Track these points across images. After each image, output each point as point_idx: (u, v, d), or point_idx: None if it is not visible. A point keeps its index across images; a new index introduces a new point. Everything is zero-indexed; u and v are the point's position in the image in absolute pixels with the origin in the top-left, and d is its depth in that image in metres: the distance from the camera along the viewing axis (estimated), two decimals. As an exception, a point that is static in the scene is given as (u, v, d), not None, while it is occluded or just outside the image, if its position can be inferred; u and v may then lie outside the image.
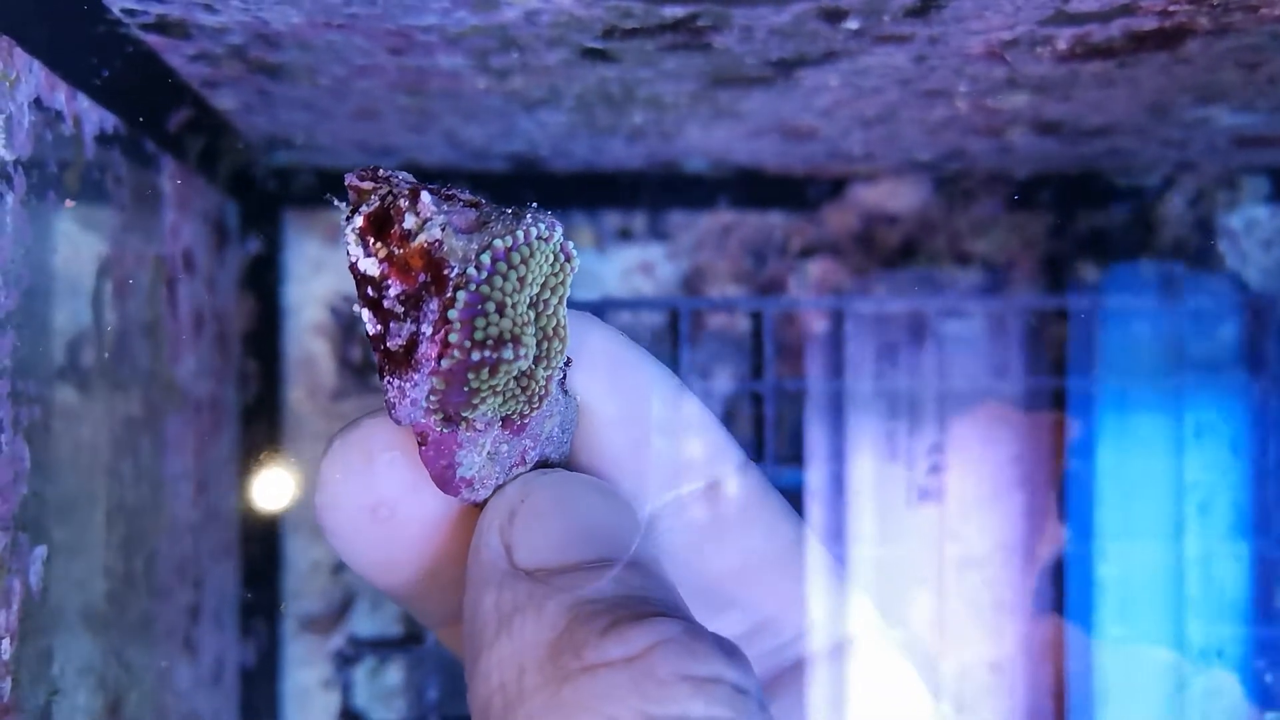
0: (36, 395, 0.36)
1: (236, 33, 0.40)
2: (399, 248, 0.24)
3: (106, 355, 0.43)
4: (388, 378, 0.24)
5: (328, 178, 0.62)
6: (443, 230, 0.23)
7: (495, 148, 0.57)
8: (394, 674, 0.63)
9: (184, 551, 0.52)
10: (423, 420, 0.25)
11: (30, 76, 0.36)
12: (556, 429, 0.27)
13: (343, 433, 0.26)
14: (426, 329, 0.24)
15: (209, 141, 0.53)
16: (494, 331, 0.23)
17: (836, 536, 0.58)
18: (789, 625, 0.28)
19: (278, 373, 0.62)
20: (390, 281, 0.24)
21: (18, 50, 0.35)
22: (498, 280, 0.23)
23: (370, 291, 0.24)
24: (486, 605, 0.23)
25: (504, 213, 0.24)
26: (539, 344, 0.25)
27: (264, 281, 0.62)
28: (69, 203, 0.39)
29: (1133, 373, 0.59)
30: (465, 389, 0.24)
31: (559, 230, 0.25)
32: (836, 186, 0.63)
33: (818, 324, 0.61)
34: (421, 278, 0.24)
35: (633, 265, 0.64)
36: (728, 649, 0.22)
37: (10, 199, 0.34)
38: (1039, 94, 0.47)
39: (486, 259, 0.23)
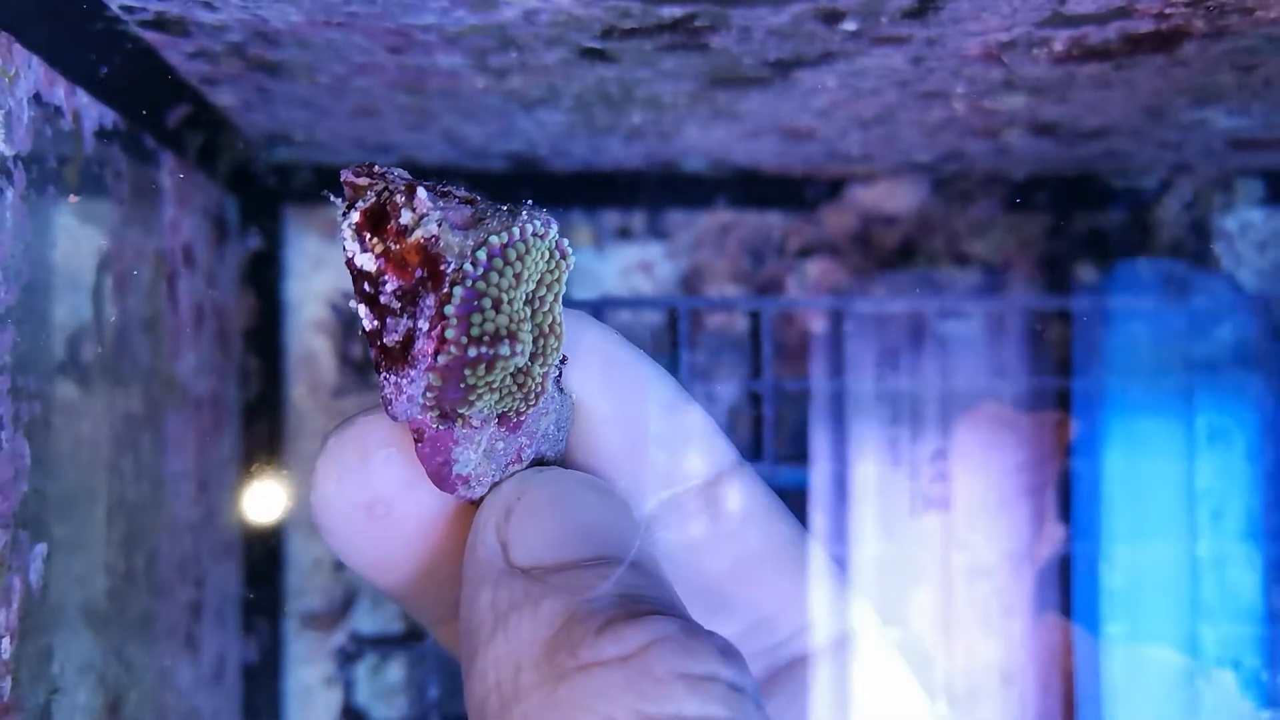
0: (36, 391, 0.36)
1: (235, 30, 0.40)
2: (395, 243, 0.24)
3: (107, 351, 0.43)
4: (384, 374, 0.25)
5: (327, 174, 0.62)
6: (439, 226, 0.24)
7: (494, 147, 0.58)
8: (395, 671, 0.63)
9: (185, 549, 0.52)
10: (419, 417, 0.25)
11: (29, 72, 0.36)
12: (552, 427, 0.27)
13: (338, 430, 0.26)
14: (423, 325, 0.24)
15: (208, 138, 0.53)
16: (490, 328, 0.24)
17: (840, 543, 0.58)
18: (785, 624, 0.28)
19: (279, 369, 0.62)
20: (387, 277, 0.24)
21: (17, 46, 0.35)
22: (494, 276, 0.24)
23: (367, 287, 0.24)
24: (483, 604, 0.23)
25: (499, 209, 0.24)
26: (535, 341, 0.25)
27: (264, 278, 0.62)
28: (72, 198, 0.39)
29: (1135, 373, 0.59)
30: (462, 385, 0.24)
31: (554, 227, 0.25)
32: (835, 187, 0.64)
33: (816, 324, 0.61)
34: (418, 273, 0.24)
35: (631, 264, 0.64)
36: (723, 647, 0.22)
37: (10, 194, 0.34)
38: (1036, 96, 0.48)
39: (483, 255, 0.23)
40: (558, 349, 0.25)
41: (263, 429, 0.61)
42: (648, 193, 0.64)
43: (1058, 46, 0.41)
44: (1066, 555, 0.59)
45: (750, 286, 0.64)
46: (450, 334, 0.23)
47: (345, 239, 0.25)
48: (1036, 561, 0.58)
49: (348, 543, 0.27)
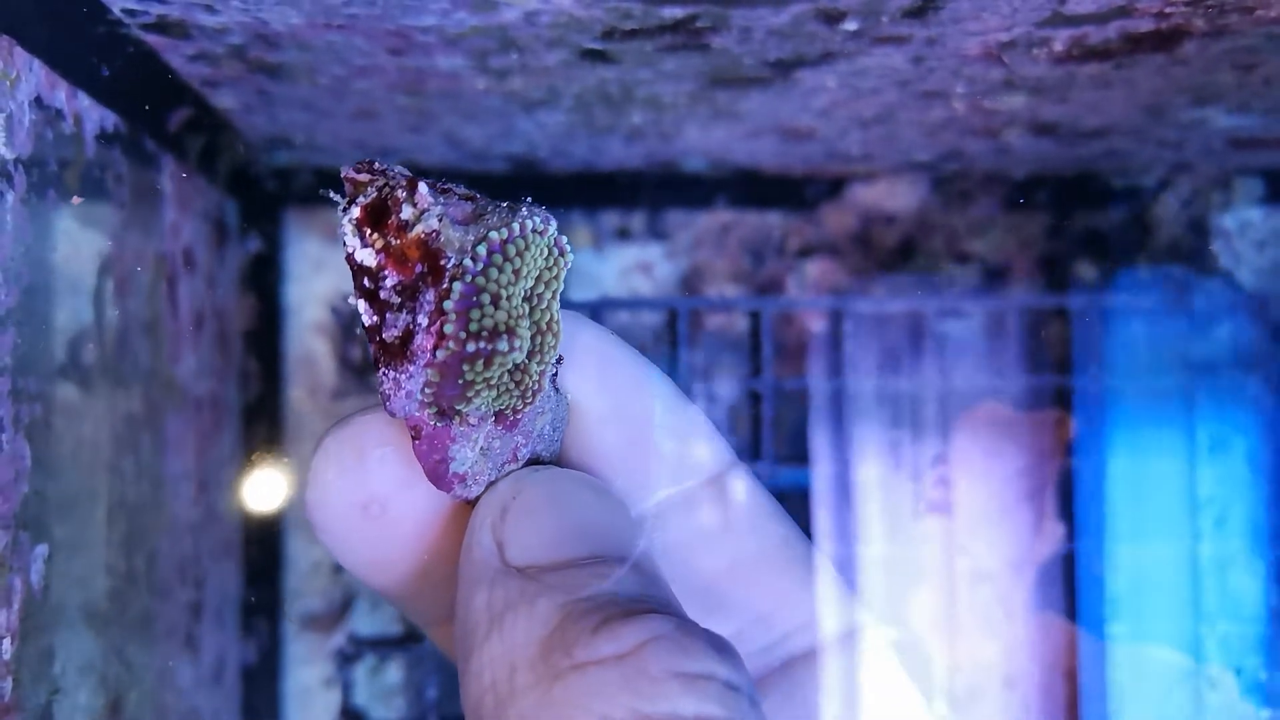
0: (37, 393, 0.36)
1: (236, 33, 0.40)
2: (396, 238, 0.24)
3: (107, 353, 0.43)
4: (383, 369, 0.25)
5: (327, 177, 0.62)
6: (440, 221, 0.24)
7: (494, 148, 0.58)
8: (394, 672, 0.63)
9: (185, 550, 0.52)
10: (417, 414, 0.25)
11: (31, 75, 0.36)
12: (548, 426, 0.27)
13: (334, 430, 0.26)
14: (422, 320, 0.24)
15: (209, 140, 0.53)
16: (489, 323, 0.24)
17: (839, 543, 0.58)
18: (780, 623, 0.28)
19: (278, 372, 0.62)
20: (387, 272, 0.24)
21: (18, 49, 0.35)
22: (493, 272, 0.24)
23: (366, 282, 0.24)
24: (478, 603, 0.23)
25: (499, 206, 0.25)
26: (532, 339, 0.25)
27: (264, 280, 0.62)
28: (76, 199, 0.39)
29: (1135, 374, 0.59)
30: (460, 381, 0.24)
31: (553, 225, 0.25)
32: (835, 186, 0.64)
33: (816, 324, 0.61)
34: (418, 268, 0.24)
35: (631, 265, 0.64)
36: (719, 645, 0.22)
37: (11, 197, 0.34)
38: (1036, 95, 0.48)
39: (482, 250, 0.24)
40: (555, 347, 0.25)
41: (262, 431, 0.61)
42: (647, 193, 0.64)
43: (1058, 46, 0.41)
44: (1068, 556, 0.59)
45: (750, 286, 0.64)
46: (449, 329, 0.23)
47: (345, 234, 0.25)
48: (1037, 563, 0.58)
49: (343, 542, 0.27)
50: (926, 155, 0.59)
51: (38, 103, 0.36)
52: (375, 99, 0.48)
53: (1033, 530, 0.59)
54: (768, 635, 0.28)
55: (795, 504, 0.59)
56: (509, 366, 0.24)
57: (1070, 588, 0.58)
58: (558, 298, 0.25)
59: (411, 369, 0.24)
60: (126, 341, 0.45)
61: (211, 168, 0.55)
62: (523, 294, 0.24)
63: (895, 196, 0.63)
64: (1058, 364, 0.61)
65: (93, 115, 0.41)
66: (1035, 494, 0.59)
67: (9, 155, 0.34)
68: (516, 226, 0.24)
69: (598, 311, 0.59)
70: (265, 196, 0.62)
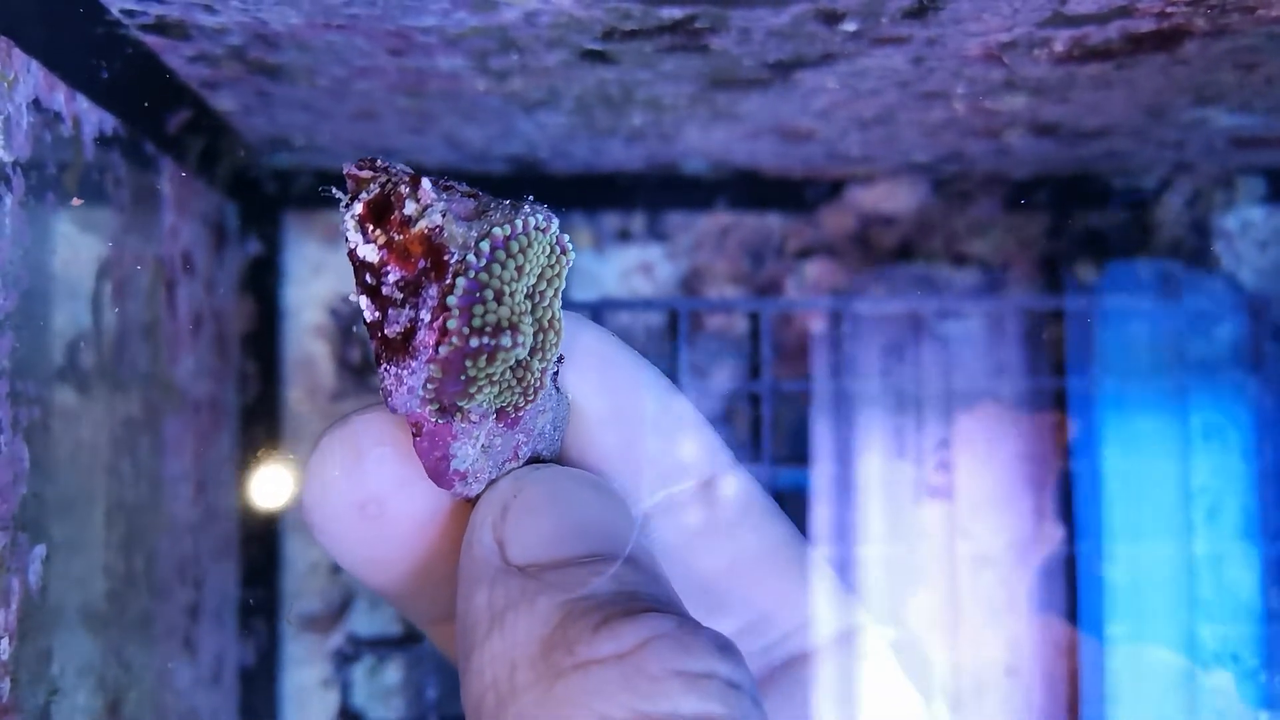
0: (36, 396, 0.36)
1: (236, 34, 0.40)
2: (399, 234, 0.24)
3: (106, 356, 0.43)
4: (384, 365, 0.25)
5: (327, 179, 0.62)
6: (443, 217, 0.24)
7: (495, 149, 0.58)
8: (393, 673, 0.63)
9: (183, 551, 0.52)
10: (418, 410, 0.25)
11: (29, 77, 0.36)
12: (548, 425, 0.27)
13: (332, 429, 0.26)
14: (425, 315, 0.24)
15: (208, 143, 0.53)
16: (492, 319, 0.24)
17: (842, 535, 0.58)
18: (780, 623, 0.28)
19: (277, 374, 0.62)
20: (389, 268, 0.24)
21: (16, 51, 0.35)
22: (496, 268, 0.24)
23: (369, 278, 0.24)
24: (479, 602, 0.23)
25: (502, 204, 0.25)
26: (534, 336, 0.25)
27: (263, 283, 0.62)
28: (76, 201, 0.39)
29: (1134, 372, 0.59)
30: (462, 377, 0.24)
31: (555, 223, 0.25)
32: (834, 188, 0.64)
33: (816, 325, 0.61)
34: (421, 264, 0.24)
35: (631, 266, 0.64)
36: (720, 644, 0.22)
37: (9, 200, 0.34)
38: (1036, 96, 0.48)
39: (486, 246, 0.24)
40: (556, 345, 0.25)
41: (261, 432, 0.61)
42: (648, 195, 0.64)
43: (1058, 46, 0.41)
44: (1066, 555, 0.59)
45: (750, 288, 0.64)
46: (452, 324, 0.23)
47: (348, 229, 0.25)
48: (1035, 559, 0.58)
49: (341, 542, 0.26)
50: (926, 156, 0.59)
51: (36, 105, 0.36)
52: (375, 100, 0.48)
53: (1032, 531, 0.59)
54: (769, 634, 0.28)
55: (794, 505, 0.59)
56: (511, 363, 0.24)
57: (1070, 586, 0.58)
58: (559, 296, 0.25)
59: (413, 365, 0.24)
60: (125, 344, 0.45)
61: (211, 170, 0.55)
62: (525, 291, 0.24)
63: (895, 197, 0.63)
64: (1056, 364, 0.61)
65: (91, 117, 0.41)
66: (1034, 491, 0.59)
67: (7, 158, 0.34)
68: (519, 223, 0.24)
69: (598, 312, 0.59)
70: (265, 199, 0.62)
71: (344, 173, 0.25)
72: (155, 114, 0.47)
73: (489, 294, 0.23)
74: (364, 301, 0.25)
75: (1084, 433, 0.59)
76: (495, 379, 0.24)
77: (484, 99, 0.48)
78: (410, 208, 0.24)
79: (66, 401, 0.39)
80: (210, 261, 0.56)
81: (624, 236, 0.64)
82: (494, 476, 0.26)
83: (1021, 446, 0.59)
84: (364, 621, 0.63)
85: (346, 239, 0.25)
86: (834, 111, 0.50)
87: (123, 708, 0.44)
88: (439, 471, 0.25)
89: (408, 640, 0.62)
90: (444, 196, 0.24)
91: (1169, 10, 0.37)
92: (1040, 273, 0.64)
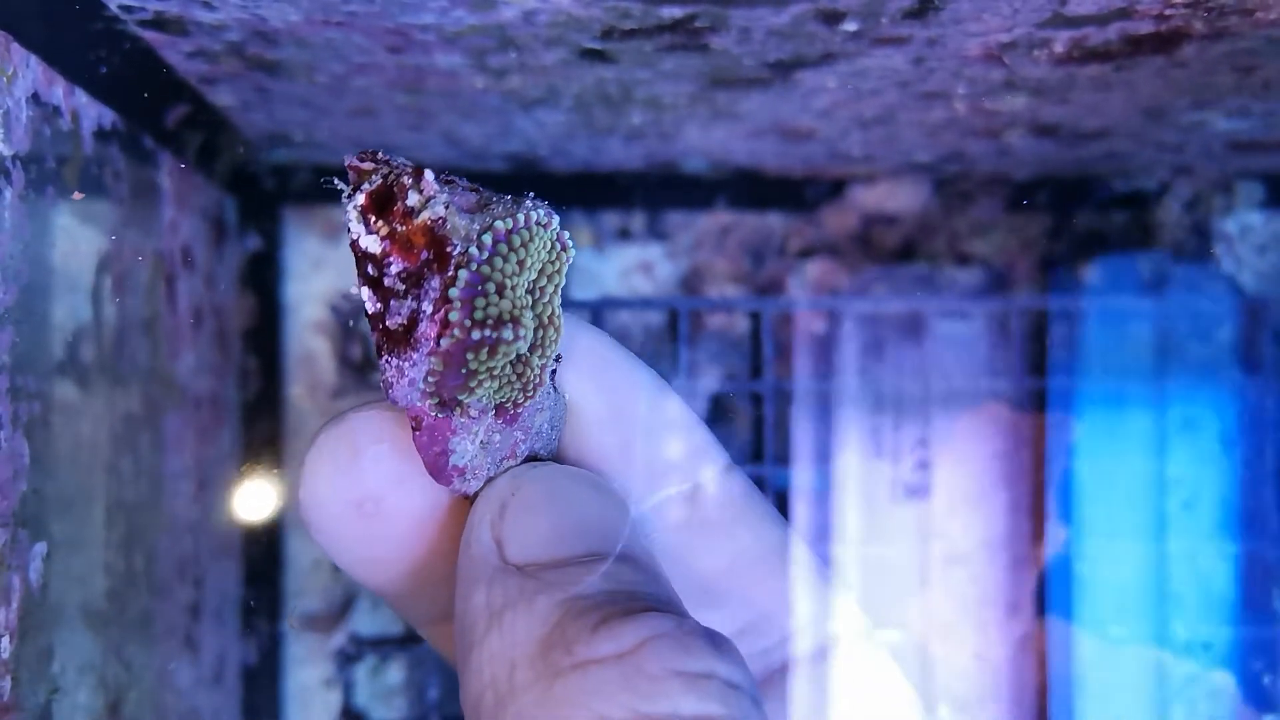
0: (36, 391, 0.36)
1: (234, 29, 0.40)
2: (402, 224, 0.24)
3: (106, 351, 0.43)
4: (386, 356, 0.25)
5: (326, 175, 0.62)
6: (446, 208, 0.24)
7: (493, 147, 0.58)
8: (395, 673, 0.63)
9: (184, 549, 0.52)
10: (418, 404, 0.25)
11: (28, 72, 0.36)
12: (546, 425, 0.27)
13: (329, 426, 0.26)
14: (427, 307, 0.24)
15: (207, 138, 0.53)
16: (494, 311, 0.24)
17: (827, 539, 0.58)
18: (779, 625, 0.28)
19: (278, 370, 0.62)
20: (392, 259, 0.24)
21: (15, 45, 0.35)
22: (498, 261, 0.24)
23: (371, 269, 0.24)
24: (477, 601, 0.23)
25: (503, 198, 0.25)
26: (534, 332, 0.25)
27: (263, 278, 0.62)
28: (77, 195, 0.39)
29: (1121, 371, 0.59)
30: (463, 371, 0.24)
31: (557, 219, 0.25)
32: (835, 187, 0.64)
33: (816, 324, 0.61)
34: (423, 255, 0.24)
35: (631, 265, 0.64)
36: (720, 643, 0.22)
37: (9, 194, 0.34)
38: (1037, 96, 0.48)
39: (488, 239, 0.24)
40: (556, 341, 0.26)
41: (262, 429, 0.61)
42: (647, 193, 0.64)
43: (1058, 48, 0.41)
44: (1052, 552, 0.59)
45: (750, 287, 0.64)
46: (454, 316, 0.23)
47: (350, 220, 0.25)
48: (1024, 558, 0.59)
49: (337, 540, 0.26)
50: (927, 156, 0.59)
51: (35, 99, 0.36)
52: (374, 97, 0.48)
53: (1018, 525, 0.59)
54: (769, 635, 0.28)
55: (795, 505, 0.59)
56: (512, 357, 0.24)
57: (1045, 579, 0.58)
58: (559, 292, 0.25)
59: (415, 356, 0.24)
60: (125, 339, 0.45)
61: (210, 165, 0.55)
62: (526, 286, 0.25)
63: (896, 197, 0.63)
64: (1055, 363, 0.61)
65: (90, 112, 0.41)
66: (1021, 488, 0.59)
67: (7, 152, 0.34)
68: (521, 217, 0.24)
69: (599, 311, 0.59)
70: (264, 194, 0.62)
71: (346, 165, 0.25)
72: (154, 109, 0.47)
73: (491, 287, 0.24)
74: (366, 293, 0.25)
75: (1071, 430, 0.59)
76: (495, 373, 0.24)
77: (482, 97, 0.48)
78: (413, 199, 0.24)
79: (66, 397, 0.39)
80: (210, 256, 0.56)
81: (624, 235, 0.64)
82: (492, 474, 0.26)
83: (1007, 444, 0.59)
84: (366, 621, 0.63)
85: (349, 230, 0.25)
86: (835, 111, 0.50)
87: (123, 707, 0.44)
88: (438, 467, 0.25)
89: (410, 640, 0.62)
90: (446, 189, 0.24)
91: (1168, 13, 0.37)
92: (1041, 274, 0.64)
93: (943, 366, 0.59)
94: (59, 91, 0.38)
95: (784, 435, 0.61)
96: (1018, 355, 0.60)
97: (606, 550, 0.24)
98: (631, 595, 0.23)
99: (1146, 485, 0.58)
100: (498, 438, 0.26)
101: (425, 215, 0.24)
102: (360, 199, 0.24)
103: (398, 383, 0.24)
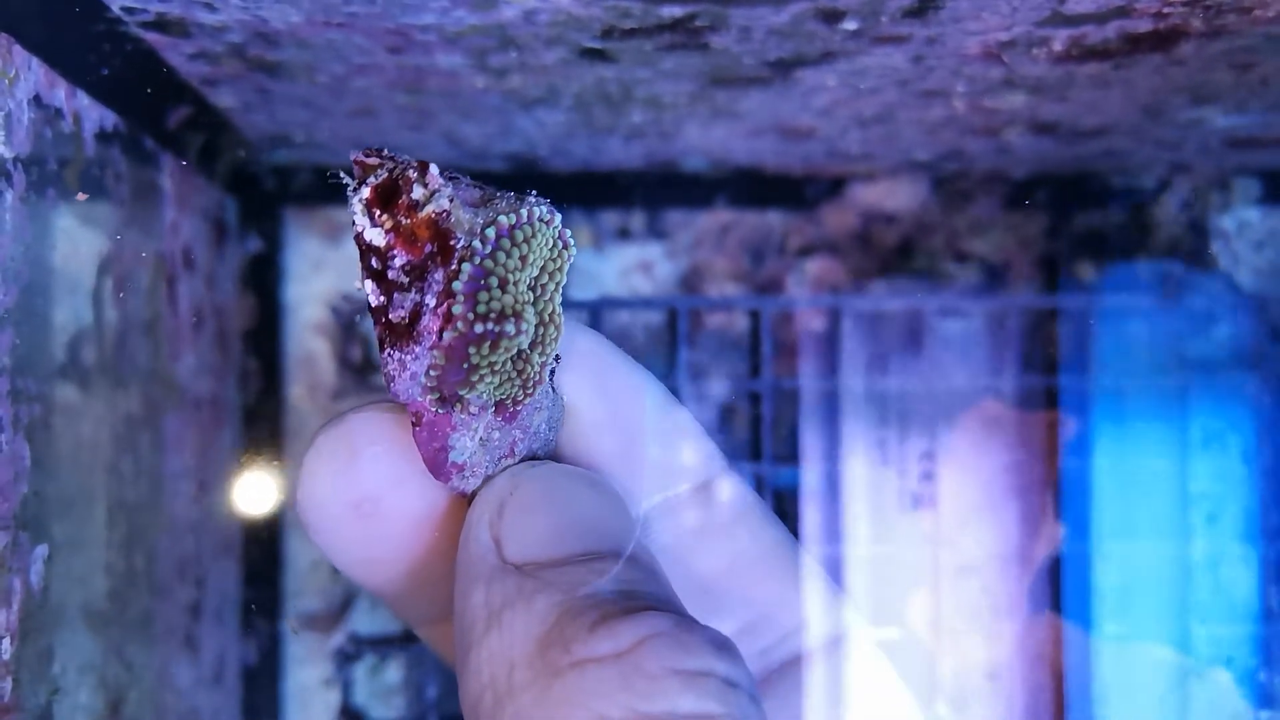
0: (37, 393, 0.36)
1: (236, 31, 0.40)
2: (406, 218, 0.24)
3: (106, 353, 0.43)
4: (388, 350, 0.25)
5: (327, 176, 0.62)
6: (450, 202, 0.24)
7: (494, 147, 0.58)
8: (394, 672, 0.63)
9: (185, 549, 0.52)
10: (419, 399, 0.25)
11: (29, 74, 0.36)
12: (544, 425, 0.27)
13: (327, 427, 0.26)
14: (430, 300, 0.24)
15: (208, 139, 0.53)
16: (496, 306, 0.24)
17: (832, 541, 0.58)
18: (778, 625, 0.28)
19: (278, 371, 0.62)
20: (395, 252, 0.24)
21: (17, 47, 0.35)
22: (501, 256, 0.24)
23: (374, 263, 0.25)
24: (476, 600, 0.23)
25: (507, 195, 0.25)
26: (535, 329, 0.25)
27: (264, 279, 0.62)
28: (82, 196, 0.39)
29: (1130, 373, 0.59)
30: (465, 365, 0.24)
31: (559, 217, 0.25)
32: (835, 186, 0.64)
33: (815, 323, 0.61)
34: (427, 248, 0.24)
35: (631, 264, 0.64)
36: (718, 642, 0.22)
37: (10, 196, 0.34)
38: (1035, 95, 0.48)
39: (491, 234, 0.24)
40: (556, 339, 0.26)
41: (262, 430, 0.61)
42: (647, 192, 0.64)
43: (1057, 46, 0.41)
44: (1063, 555, 0.59)
45: (750, 286, 0.64)
46: (457, 310, 0.23)
47: (355, 214, 0.25)
48: (1036, 566, 0.59)
49: (334, 541, 0.26)
50: (926, 154, 0.59)
51: (36, 101, 0.36)
52: (374, 97, 0.48)
53: (1028, 533, 0.59)
54: (768, 636, 0.28)
55: (795, 504, 0.59)
56: (513, 352, 0.24)
57: (1059, 588, 0.58)
58: (560, 290, 0.26)
59: (417, 350, 0.24)
60: (126, 341, 0.45)
61: (211, 166, 0.55)
62: (528, 282, 0.25)
63: (895, 196, 0.63)
64: (1055, 364, 0.61)
65: (92, 114, 0.41)
66: (1031, 494, 0.59)
67: (8, 154, 0.34)
68: (525, 213, 0.24)
69: (598, 310, 0.59)
70: (265, 195, 0.62)
71: (351, 160, 0.25)
72: (155, 110, 0.47)
73: (494, 281, 0.24)
74: (369, 286, 0.25)
75: (1080, 431, 0.59)
76: (497, 368, 0.24)
77: (483, 97, 0.48)
78: (418, 192, 0.24)
79: (67, 398, 0.39)
80: (211, 258, 0.56)
81: (623, 234, 0.64)
82: (490, 472, 0.26)
83: (1014, 445, 0.59)
84: (365, 620, 0.63)
85: (353, 223, 0.25)
86: (834, 109, 0.50)
87: (124, 707, 0.44)
88: (437, 463, 0.25)
89: (408, 639, 0.62)
90: (450, 184, 0.24)
91: (1166, 10, 0.38)
92: (1040, 272, 0.64)
93: (946, 365, 0.59)
94: (61, 93, 0.38)
95: (782, 434, 0.61)
96: (1019, 355, 0.60)
97: (605, 549, 0.24)
98: (630, 594, 0.23)
99: (1157, 486, 0.58)
100: (497, 435, 0.26)
101: (430, 209, 0.24)
102: (365, 192, 0.25)
103: (399, 376, 0.25)
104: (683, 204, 0.64)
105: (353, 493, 0.26)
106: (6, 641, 0.34)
